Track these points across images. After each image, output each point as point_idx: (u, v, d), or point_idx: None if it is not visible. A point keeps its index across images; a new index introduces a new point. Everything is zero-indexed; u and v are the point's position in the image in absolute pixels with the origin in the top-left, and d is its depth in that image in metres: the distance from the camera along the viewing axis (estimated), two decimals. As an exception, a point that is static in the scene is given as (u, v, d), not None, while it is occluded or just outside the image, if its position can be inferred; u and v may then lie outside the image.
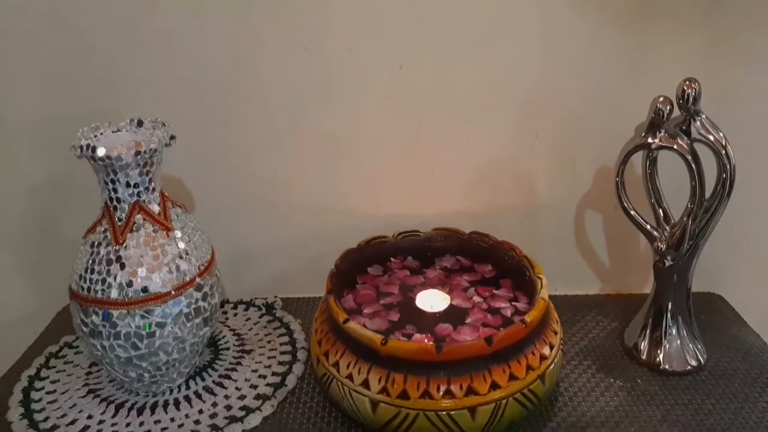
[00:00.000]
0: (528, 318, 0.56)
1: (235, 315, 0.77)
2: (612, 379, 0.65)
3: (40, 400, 0.64)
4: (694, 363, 0.66)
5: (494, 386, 0.54)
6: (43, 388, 0.65)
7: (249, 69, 0.71)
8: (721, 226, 0.64)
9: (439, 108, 0.73)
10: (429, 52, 0.70)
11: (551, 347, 0.58)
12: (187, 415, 0.61)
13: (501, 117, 0.73)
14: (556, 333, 0.60)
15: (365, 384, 0.55)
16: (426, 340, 0.59)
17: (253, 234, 0.79)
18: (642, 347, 0.67)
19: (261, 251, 0.80)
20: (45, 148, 0.74)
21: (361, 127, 0.74)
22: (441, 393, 0.53)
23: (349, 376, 0.56)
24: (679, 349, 0.66)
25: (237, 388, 0.64)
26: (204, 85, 0.71)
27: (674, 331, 0.66)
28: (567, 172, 0.75)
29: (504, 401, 0.54)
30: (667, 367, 0.65)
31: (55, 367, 0.68)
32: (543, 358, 0.57)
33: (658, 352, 0.66)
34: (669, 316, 0.66)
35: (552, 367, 0.58)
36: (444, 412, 0.53)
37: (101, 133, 0.59)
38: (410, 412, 0.54)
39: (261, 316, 0.76)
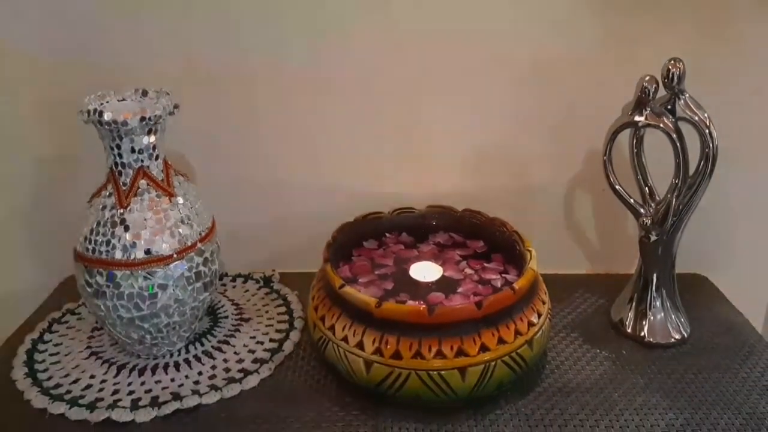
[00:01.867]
0: (517, 285, 0.59)
1: (234, 287, 0.79)
2: (598, 350, 0.67)
3: (43, 361, 0.65)
4: (677, 336, 0.68)
5: (483, 348, 0.56)
6: (46, 350, 0.67)
7: (252, 45, 0.73)
8: (705, 208, 0.66)
9: (435, 89, 0.75)
10: (426, 31, 0.73)
11: (539, 315, 0.61)
12: (186, 376, 0.63)
13: (495, 98, 0.76)
14: (544, 303, 0.62)
15: (360, 345, 0.57)
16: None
17: (252, 211, 0.81)
18: (627, 320, 0.70)
19: (259, 228, 0.82)
20: (53, 125, 0.76)
21: (359, 107, 0.76)
22: (432, 354, 0.56)
23: (345, 339, 0.58)
24: (663, 321, 0.68)
25: (235, 353, 0.66)
26: (207, 61, 0.73)
27: (658, 304, 0.68)
28: (559, 154, 0.78)
29: (493, 363, 0.56)
30: (651, 339, 0.68)
31: (57, 331, 0.70)
32: (531, 324, 0.59)
33: (643, 324, 0.69)
34: (654, 289, 0.68)
35: (540, 334, 0.60)
36: (435, 372, 0.55)
37: (107, 101, 0.61)
38: (402, 372, 0.56)
39: (259, 288, 0.78)
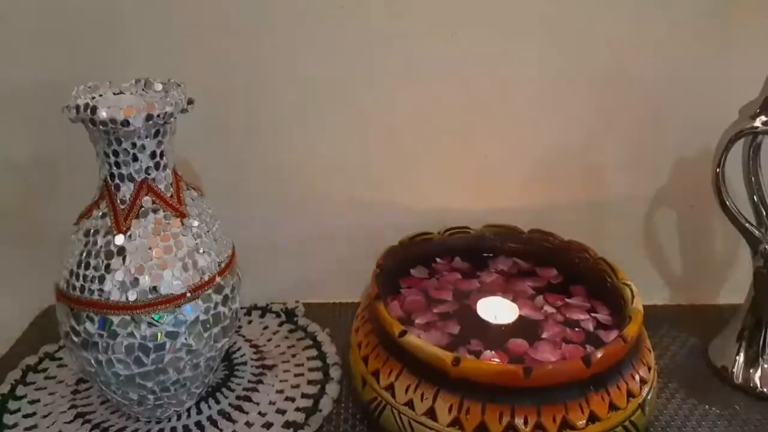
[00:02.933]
0: (628, 333, 0.46)
1: (250, 322, 0.65)
2: (707, 406, 0.55)
3: (15, 425, 0.51)
4: (797, 386, 0.56)
5: (593, 418, 0.43)
6: (19, 409, 0.53)
7: (277, 34, 0.60)
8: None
9: (496, 86, 0.62)
10: (486, 19, 0.60)
11: (648, 369, 0.48)
12: (201, 448, 0.49)
13: (568, 100, 0.63)
14: (650, 351, 0.50)
15: (431, 413, 0.44)
16: (497, 359, 0.49)
17: (270, 229, 0.67)
18: (735, 366, 0.57)
19: (279, 249, 0.68)
20: (31, 119, 0.62)
21: (403, 105, 0.63)
22: (530, 427, 0.43)
23: (409, 403, 0.45)
24: (780, 369, 0.56)
25: (260, 414, 0.53)
26: (221, 51, 0.60)
27: (775, 348, 0.56)
28: (639, 166, 0.65)
29: (604, 436, 0.44)
30: (765, 390, 0.56)
31: (34, 383, 0.56)
32: (643, 381, 0.47)
33: (753, 372, 0.57)
34: (769, 330, 0.56)
35: (651, 393, 0.48)
36: (533, 451, 0.43)
37: (100, 95, 0.47)
38: (490, 450, 0.43)
39: (281, 325, 0.65)
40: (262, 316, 0.66)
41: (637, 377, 0.47)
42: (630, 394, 0.45)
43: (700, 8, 0.60)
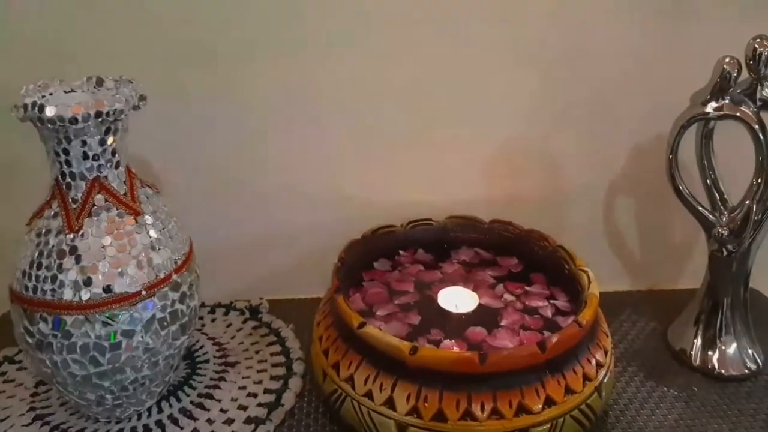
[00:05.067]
0: (583, 318, 0.47)
1: (213, 321, 0.65)
2: (665, 388, 0.56)
3: (-29, 430, 0.51)
4: (752, 366, 0.57)
5: (549, 402, 0.44)
6: (-25, 415, 0.52)
7: (236, 27, 0.59)
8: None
9: (452, 80, 0.63)
10: (443, 11, 0.60)
11: (605, 352, 0.49)
12: (161, 446, 0.49)
13: (523, 93, 0.64)
14: (607, 335, 0.51)
15: (389, 403, 0.45)
16: (456, 347, 0.49)
17: (232, 225, 0.67)
18: (693, 349, 0.59)
19: (241, 247, 0.68)
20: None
21: (363, 100, 0.63)
22: (486, 413, 0.43)
23: (368, 394, 0.45)
24: (736, 350, 0.57)
25: (222, 410, 0.52)
26: (178, 44, 0.59)
27: (730, 330, 0.57)
28: (596, 155, 0.66)
29: (561, 420, 0.44)
30: (722, 371, 0.57)
31: (-9, 387, 0.55)
32: (599, 365, 0.48)
33: (711, 354, 0.58)
34: (725, 312, 0.57)
35: (608, 376, 0.48)
36: (490, 437, 0.43)
37: (50, 93, 0.47)
38: (448, 438, 0.43)
39: (244, 322, 0.64)
40: (226, 313, 0.66)
41: (593, 361, 0.47)
42: (586, 378, 0.46)
43: (646, 5, 0.61)
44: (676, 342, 0.60)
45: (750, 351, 0.58)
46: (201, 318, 0.64)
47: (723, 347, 0.57)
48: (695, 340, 0.59)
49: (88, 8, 0.58)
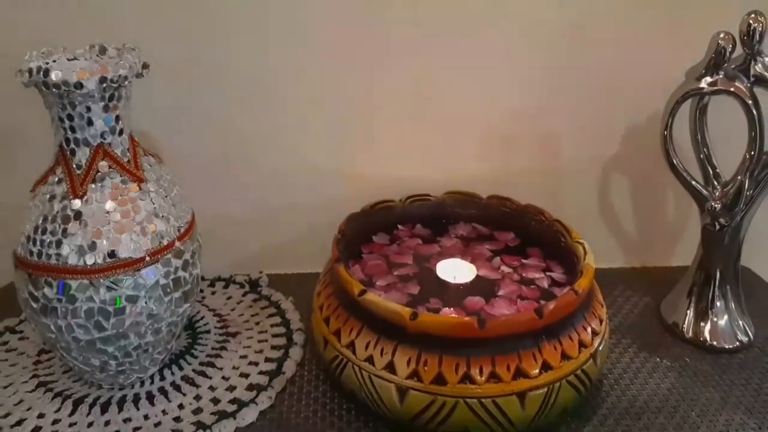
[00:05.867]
0: (579, 287, 0.48)
1: (213, 293, 0.65)
2: (658, 359, 0.57)
3: (-26, 396, 0.51)
4: (744, 339, 0.58)
5: (546, 367, 0.45)
6: (-21, 381, 0.53)
7: (244, 3, 0.60)
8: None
9: (450, 53, 0.63)
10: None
11: (600, 321, 0.50)
12: (164, 411, 0.49)
13: (521, 69, 0.64)
14: (602, 305, 0.52)
15: (390, 368, 0.45)
16: (455, 315, 0.50)
17: (233, 201, 0.68)
18: (685, 322, 0.60)
19: (241, 221, 0.68)
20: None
21: (363, 78, 0.64)
22: (485, 376, 0.44)
23: (369, 359, 0.46)
24: (727, 322, 0.59)
25: (224, 378, 0.53)
26: (178, 17, 0.60)
27: (722, 303, 0.59)
28: (593, 131, 0.67)
29: (557, 384, 0.45)
30: (714, 343, 0.58)
31: (-7, 356, 0.56)
32: (594, 333, 0.49)
33: (704, 326, 0.59)
34: (717, 285, 0.59)
35: (603, 344, 0.49)
36: (489, 399, 0.44)
37: (54, 60, 0.47)
38: (447, 401, 0.44)
39: (244, 295, 0.65)
40: (226, 287, 0.66)
41: (588, 329, 0.48)
42: (582, 345, 0.47)
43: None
44: (669, 315, 0.61)
45: (741, 323, 0.59)
46: (201, 291, 0.65)
47: (715, 319, 0.59)
48: (687, 313, 0.60)
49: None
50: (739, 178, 0.55)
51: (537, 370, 0.45)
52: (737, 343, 0.58)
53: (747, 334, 0.59)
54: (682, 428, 0.49)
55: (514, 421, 0.45)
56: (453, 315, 0.50)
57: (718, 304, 0.59)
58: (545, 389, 0.45)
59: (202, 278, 0.66)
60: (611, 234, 0.72)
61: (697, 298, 0.60)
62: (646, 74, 0.63)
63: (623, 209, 0.71)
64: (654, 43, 0.63)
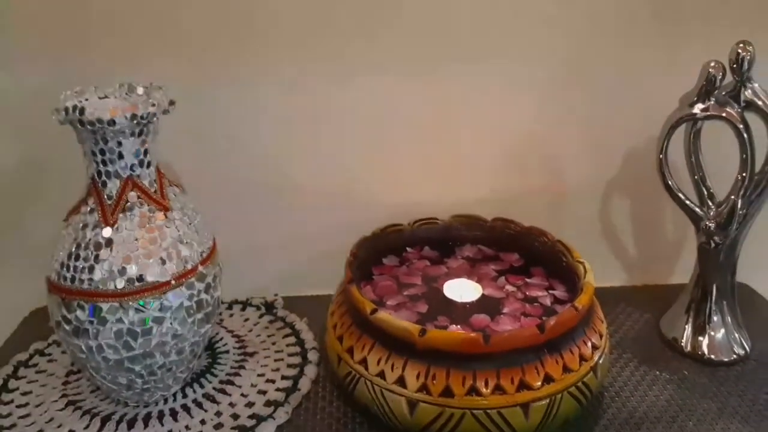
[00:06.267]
0: (579, 303, 0.50)
1: (231, 316, 0.68)
2: (657, 372, 0.59)
3: (9, 415, 0.54)
4: (740, 352, 0.61)
5: (548, 379, 0.48)
6: (12, 401, 0.56)
7: (255, 42, 0.64)
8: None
9: (460, 88, 0.67)
10: (451, 24, 0.64)
11: (600, 336, 0.53)
12: (187, 427, 0.52)
13: (527, 98, 0.68)
14: (602, 321, 0.55)
15: (401, 381, 0.48)
16: (461, 331, 0.53)
17: (248, 227, 0.71)
18: (683, 337, 0.62)
19: (256, 247, 0.72)
20: (16, 127, 0.65)
21: (373, 108, 0.67)
22: (490, 389, 0.47)
23: (381, 374, 0.49)
24: (724, 336, 0.61)
25: (243, 395, 0.56)
26: (203, 51, 0.64)
27: (719, 318, 0.61)
28: (594, 156, 0.70)
29: (559, 396, 0.48)
30: (712, 357, 0.60)
31: (25, 377, 0.59)
32: (594, 347, 0.51)
33: (701, 340, 0.61)
34: (713, 300, 0.61)
35: (603, 358, 0.52)
36: (494, 411, 0.47)
37: (86, 99, 0.51)
38: (455, 412, 0.47)
39: (261, 316, 0.68)
40: (243, 309, 0.69)
41: (589, 343, 0.51)
42: (582, 358, 0.50)
43: (646, 12, 0.65)
44: (669, 331, 0.64)
45: (738, 337, 0.61)
46: (219, 314, 0.68)
47: (712, 333, 0.61)
48: (686, 328, 0.62)
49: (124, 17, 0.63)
50: (732, 198, 0.58)
51: (539, 383, 0.47)
52: (734, 356, 0.60)
53: (743, 347, 0.61)
54: (680, 437, 0.51)
55: (518, 431, 0.47)
56: (460, 331, 0.52)
57: (715, 318, 0.61)
58: (547, 400, 0.47)
59: (221, 302, 0.69)
60: (613, 254, 0.75)
61: (695, 314, 0.62)
62: (644, 101, 0.66)
63: (624, 230, 0.74)
64: (651, 72, 0.66)
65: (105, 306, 0.48)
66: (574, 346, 0.50)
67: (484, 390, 0.47)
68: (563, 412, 0.48)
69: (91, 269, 0.48)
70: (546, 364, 0.48)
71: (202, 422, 0.53)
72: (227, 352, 0.62)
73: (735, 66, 0.55)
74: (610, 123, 0.69)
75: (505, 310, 0.56)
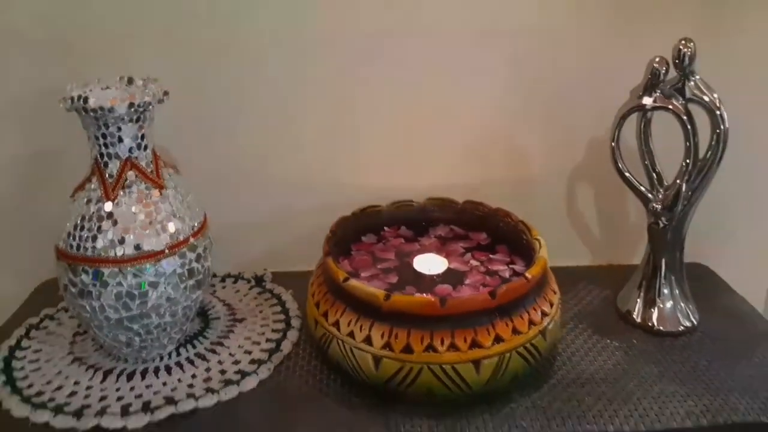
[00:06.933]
0: (530, 273, 0.56)
1: (224, 287, 0.75)
2: (608, 340, 0.65)
3: (22, 368, 0.61)
4: (687, 324, 0.66)
5: (498, 339, 0.53)
6: (24, 357, 0.62)
7: (244, 37, 0.70)
8: (708, 197, 0.65)
9: (431, 80, 0.73)
10: (422, 21, 0.70)
11: (551, 305, 0.58)
12: (179, 380, 0.59)
13: (493, 88, 0.74)
14: (555, 292, 0.60)
15: (367, 340, 0.54)
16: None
17: (239, 208, 0.77)
18: (636, 310, 0.68)
19: (247, 226, 0.78)
20: (30, 122, 0.72)
21: (353, 99, 0.73)
22: (445, 346, 0.53)
23: (351, 334, 0.55)
24: (672, 309, 0.66)
25: (230, 354, 0.62)
26: (194, 46, 0.70)
27: (667, 291, 0.67)
28: (558, 146, 0.76)
29: (507, 355, 0.54)
30: (661, 328, 0.66)
31: (36, 337, 0.66)
32: (544, 314, 0.57)
33: (652, 312, 0.67)
34: (662, 276, 0.67)
35: (552, 324, 0.58)
36: (448, 365, 0.53)
37: (90, 90, 0.57)
38: (414, 366, 0.53)
39: (250, 288, 0.74)
40: (235, 282, 0.76)
41: (539, 310, 0.57)
42: (532, 323, 0.55)
43: (607, 9, 0.71)
44: (623, 305, 0.69)
45: (685, 309, 0.67)
46: (213, 285, 0.74)
47: (661, 306, 0.67)
48: (638, 301, 0.68)
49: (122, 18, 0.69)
50: (677, 182, 0.63)
51: (490, 342, 0.53)
52: (681, 328, 0.66)
53: (690, 320, 0.66)
54: (619, 395, 0.57)
55: (470, 383, 0.53)
56: (419, 296, 0.58)
57: (665, 291, 0.67)
58: (497, 358, 0.53)
59: (215, 275, 0.76)
60: (579, 237, 0.80)
61: (646, 289, 0.68)
62: (602, 94, 0.70)
63: (589, 214, 0.79)
64: (607, 68, 0.71)
65: (106, 271, 0.55)
66: (524, 312, 0.55)
67: (440, 348, 0.53)
68: (512, 369, 0.54)
69: (95, 239, 0.55)
70: (497, 326, 0.54)
71: (193, 376, 0.59)
72: (218, 318, 0.68)
73: (677, 61, 0.60)
74: (571, 115, 0.74)
75: (467, 281, 0.62)
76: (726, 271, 0.78)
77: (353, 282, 0.56)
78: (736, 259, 0.81)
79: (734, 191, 0.77)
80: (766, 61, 0.73)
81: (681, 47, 0.60)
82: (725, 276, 0.77)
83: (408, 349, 0.53)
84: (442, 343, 0.53)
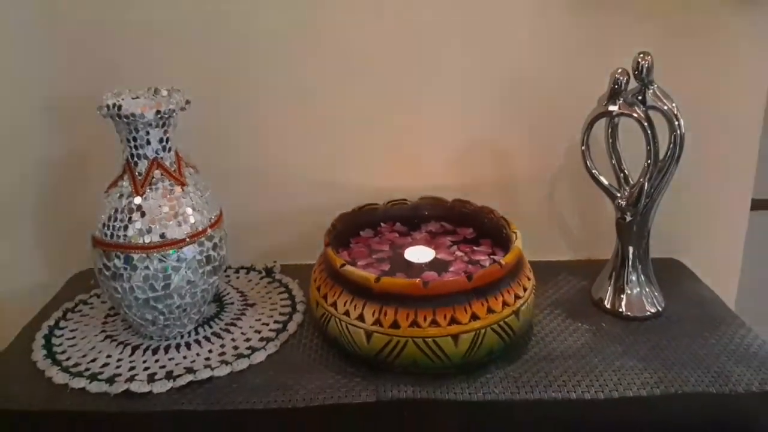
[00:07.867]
0: (504, 260, 0.64)
1: (238, 278, 0.83)
2: (579, 323, 0.72)
3: (61, 344, 0.69)
4: (652, 309, 0.73)
5: (474, 317, 0.61)
6: (62, 335, 0.71)
7: (251, 53, 0.79)
8: (678, 198, 0.72)
9: (426, 92, 0.81)
10: (420, 31, 0.78)
11: (525, 289, 0.66)
12: (198, 354, 0.67)
13: (481, 98, 0.81)
14: (529, 279, 0.68)
15: (360, 318, 0.62)
16: (414, 284, 0.66)
17: (252, 206, 0.85)
18: (607, 297, 0.75)
19: (259, 222, 0.86)
20: (63, 125, 0.81)
21: (356, 109, 0.82)
22: (427, 323, 0.60)
23: (346, 313, 0.63)
24: (638, 296, 0.73)
25: (242, 333, 0.70)
26: (207, 56, 0.78)
27: (634, 279, 0.74)
28: (540, 148, 0.83)
29: (483, 331, 0.61)
30: (628, 313, 0.73)
31: (72, 319, 0.74)
32: (517, 297, 0.64)
33: (621, 299, 0.74)
34: (630, 265, 0.74)
35: (525, 306, 0.65)
36: (430, 339, 0.60)
37: (122, 99, 0.66)
38: (400, 340, 0.61)
39: (261, 278, 0.83)
40: (247, 273, 0.84)
41: (513, 293, 0.64)
42: (506, 304, 0.63)
43: (576, 29, 0.79)
44: (596, 293, 0.77)
45: (651, 297, 0.74)
46: (228, 276, 0.83)
47: (629, 293, 0.74)
48: (609, 289, 0.75)
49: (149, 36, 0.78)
50: (641, 180, 0.71)
51: (467, 319, 0.61)
52: (648, 313, 0.73)
53: (656, 306, 0.73)
54: (583, 368, 0.64)
55: (449, 355, 0.61)
56: (405, 279, 0.66)
57: (632, 279, 0.74)
58: (473, 333, 0.61)
59: (229, 267, 0.84)
60: (561, 234, 0.88)
61: (616, 278, 0.75)
62: (578, 103, 0.78)
63: (570, 212, 0.87)
64: (583, 79, 0.78)
65: (135, 256, 0.63)
66: (499, 294, 0.63)
67: (423, 323, 0.60)
68: (487, 344, 0.62)
69: (125, 228, 0.63)
70: (473, 305, 0.61)
71: (210, 351, 0.67)
72: (232, 303, 0.76)
73: (636, 73, 0.68)
74: (551, 122, 0.82)
75: (451, 269, 0.69)
76: (702, 266, 0.84)
77: (349, 267, 0.64)
78: (707, 252, 0.87)
79: (701, 194, 0.84)
80: (716, 72, 0.81)
81: (639, 60, 0.67)
82: (701, 273, 0.83)
83: (395, 325, 0.61)
84: (425, 319, 0.60)
